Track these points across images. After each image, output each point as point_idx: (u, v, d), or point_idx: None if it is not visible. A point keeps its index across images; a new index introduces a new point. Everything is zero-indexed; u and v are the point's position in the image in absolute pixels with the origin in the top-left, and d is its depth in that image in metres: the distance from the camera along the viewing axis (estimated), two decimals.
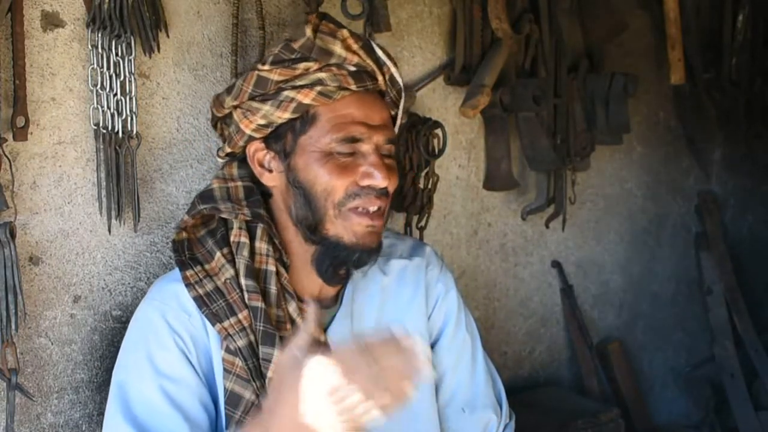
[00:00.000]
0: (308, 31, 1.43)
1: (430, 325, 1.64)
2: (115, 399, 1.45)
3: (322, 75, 1.42)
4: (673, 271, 2.97)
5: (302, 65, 1.42)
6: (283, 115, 1.44)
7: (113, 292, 1.76)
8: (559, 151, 2.42)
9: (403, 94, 1.55)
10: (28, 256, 1.65)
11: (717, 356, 2.86)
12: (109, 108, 1.68)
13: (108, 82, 1.67)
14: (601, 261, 2.76)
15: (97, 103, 1.67)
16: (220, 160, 1.57)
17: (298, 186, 1.45)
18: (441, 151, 2.16)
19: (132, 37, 1.68)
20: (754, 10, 2.85)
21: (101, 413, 1.74)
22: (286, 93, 1.43)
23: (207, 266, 1.47)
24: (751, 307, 2.95)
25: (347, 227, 1.44)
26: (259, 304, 1.42)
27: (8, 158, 1.58)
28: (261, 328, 1.42)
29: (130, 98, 1.70)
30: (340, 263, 1.47)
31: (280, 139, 1.47)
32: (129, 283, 1.78)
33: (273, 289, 1.45)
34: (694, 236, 2.99)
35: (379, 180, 1.43)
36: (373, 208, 1.45)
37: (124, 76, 1.69)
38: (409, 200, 2.15)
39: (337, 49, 1.43)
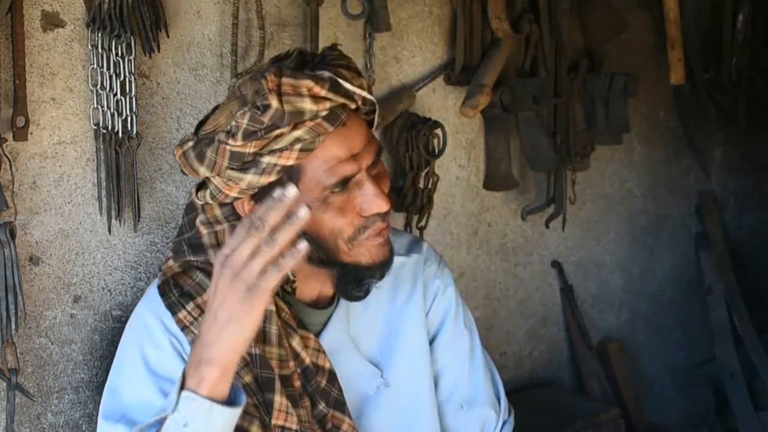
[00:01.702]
0: (274, 102, 1.31)
1: (428, 322, 1.64)
2: (109, 404, 1.43)
3: (297, 133, 1.33)
4: (673, 271, 2.96)
5: (275, 132, 1.32)
6: (269, 179, 1.36)
7: (113, 292, 1.76)
8: (559, 151, 2.42)
9: (377, 107, 1.49)
10: (28, 256, 1.65)
11: (717, 356, 2.85)
12: (109, 108, 1.68)
13: (108, 82, 1.67)
14: (601, 261, 2.76)
15: (97, 103, 1.67)
16: (198, 202, 1.46)
17: (303, 234, 1.32)
18: (441, 151, 2.16)
19: (132, 37, 1.68)
20: (754, 10, 2.85)
21: None
22: (266, 160, 1.34)
23: (199, 300, 1.43)
24: (751, 307, 2.95)
25: (363, 252, 1.43)
26: (254, 350, 1.40)
27: (8, 158, 1.58)
28: (259, 373, 1.41)
29: (130, 98, 1.70)
30: (362, 281, 1.47)
31: (269, 194, 1.37)
32: (129, 283, 1.78)
33: (273, 329, 1.43)
34: (694, 236, 2.99)
35: (382, 206, 1.40)
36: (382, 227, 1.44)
37: (124, 76, 1.69)
38: (409, 200, 2.15)
39: (307, 105, 1.32)
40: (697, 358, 2.99)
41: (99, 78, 1.66)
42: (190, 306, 1.43)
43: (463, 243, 2.39)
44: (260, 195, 1.39)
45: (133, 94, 1.70)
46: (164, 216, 1.81)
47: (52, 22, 1.64)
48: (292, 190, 1.17)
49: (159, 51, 1.73)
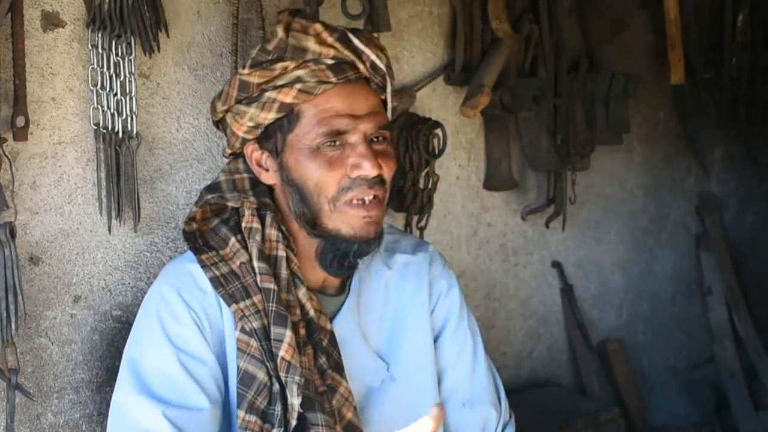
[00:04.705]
0: (280, 31, 1.44)
1: (432, 320, 1.66)
2: (129, 377, 1.44)
3: (299, 72, 1.43)
4: (673, 271, 2.97)
5: (279, 65, 1.43)
6: (268, 116, 1.45)
7: (113, 292, 1.76)
8: (559, 151, 2.42)
9: (388, 79, 1.54)
10: (28, 256, 1.65)
11: (717, 356, 2.86)
12: (109, 108, 1.68)
13: (108, 82, 1.67)
14: (601, 261, 2.76)
15: (97, 103, 1.67)
16: (226, 159, 1.59)
17: (292, 183, 1.47)
18: (441, 151, 2.16)
19: (132, 37, 1.68)
20: (754, 10, 2.85)
21: (101, 413, 1.74)
22: (267, 94, 1.44)
23: (221, 252, 1.49)
24: (751, 307, 2.95)
25: (344, 220, 1.45)
26: (272, 285, 1.44)
27: (8, 158, 1.58)
28: (273, 308, 1.43)
29: (130, 98, 1.70)
30: (343, 255, 1.48)
31: (270, 138, 1.49)
32: (129, 283, 1.78)
33: (284, 273, 1.47)
34: (694, 236, 2.99)
35: (369, 170, 1.43)
36: (368, 198, 1.45)
37: (124, 76, 1.69)
38: (409, 200, 2.15)
39: (311, 44, 1.44)
40: (697, 358, 2.99)
41: (99, 78, 1.67)
42: (212, 253, 1.49)
43: (463, 243, 2.39)
44: (264, 139, 1.49)
45: (133, 94, 1.70)
46: (164, 216, 1.81)
47: (52, 22, 1.65)
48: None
49: (159, 51, 1.73)
